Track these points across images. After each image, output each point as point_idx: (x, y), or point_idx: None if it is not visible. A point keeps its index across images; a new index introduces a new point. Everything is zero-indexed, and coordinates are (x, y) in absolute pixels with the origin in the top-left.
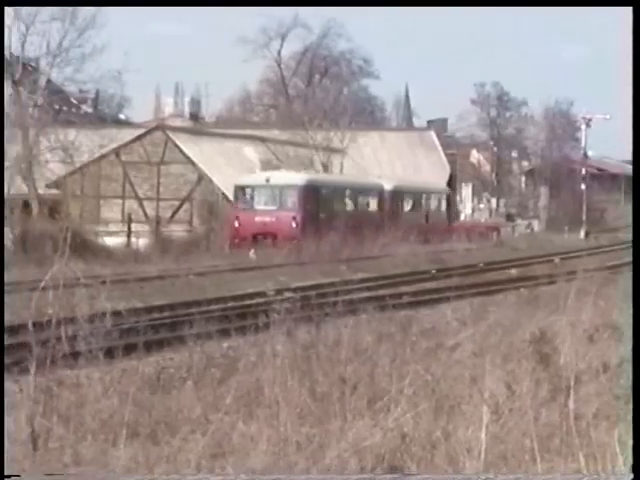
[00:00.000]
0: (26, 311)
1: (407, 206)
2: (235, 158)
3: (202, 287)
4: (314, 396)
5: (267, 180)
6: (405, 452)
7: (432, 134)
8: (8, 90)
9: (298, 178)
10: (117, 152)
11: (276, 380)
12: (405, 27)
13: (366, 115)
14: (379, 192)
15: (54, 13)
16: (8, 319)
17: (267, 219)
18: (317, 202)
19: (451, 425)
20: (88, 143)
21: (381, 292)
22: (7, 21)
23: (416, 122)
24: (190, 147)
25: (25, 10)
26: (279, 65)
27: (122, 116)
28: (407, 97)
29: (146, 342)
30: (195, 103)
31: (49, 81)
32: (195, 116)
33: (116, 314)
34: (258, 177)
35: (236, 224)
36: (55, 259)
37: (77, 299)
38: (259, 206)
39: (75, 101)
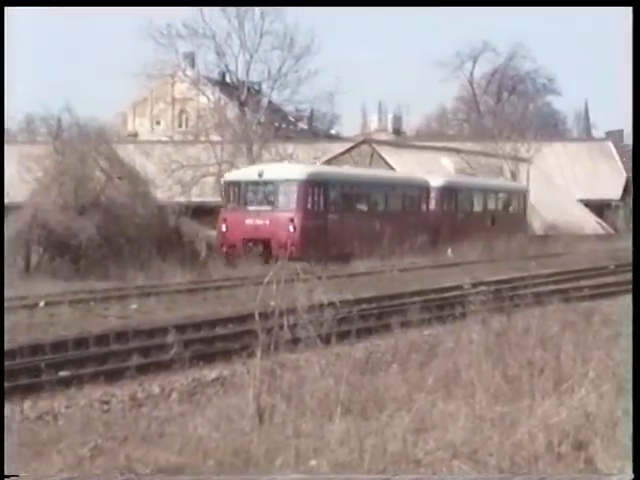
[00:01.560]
0: (252, 303)
1: (465, 205)
2: (433, 167)
3: (405, 281)
4: (506, 378)
5: (260, 175)
6: (589, 429)
7: (610, 144)
8: (235, 110)
9: (297, 171)
10: (329, 163)
11: (472, 364)
12: (588, 48)
13: (550, 128)
14: (421, 189)
15: (274, 43)
16: (238, 310)
17: (259, 222)
18: (323, 201)
19: (631, 405)
20: (304, 155)
21: (566, 285)
22: (234, 50)
23: (595, 134)
24: (393, 158)
25: (250, 41)
26: (471, 84)
27: (333, 131)
28: (587, 111)
29: (357, 330)
30: (397, 119)
31: (270, 102)
32: (397, 131)
33: (331, 305)
34: (250, 171)
35: (223, 228)
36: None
37: (296, 292)
38: (251, 206)
39: (292, 119)
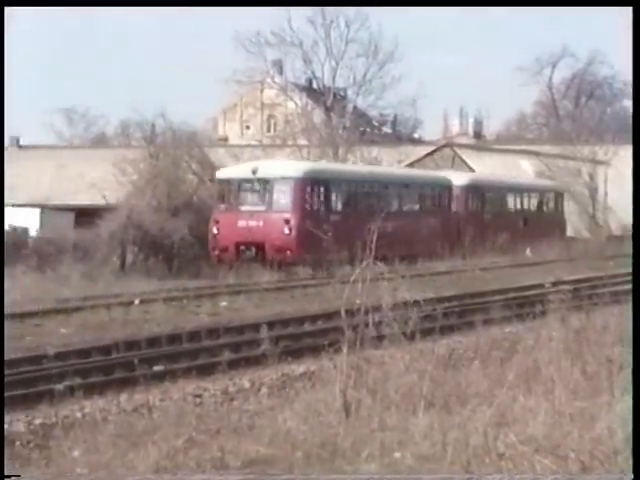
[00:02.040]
0: (339, 301)
1: (493, 205)
2: (513, 170)
3: (486, 280)
4: (585, 374)
5: (254, 172)
6: None
7: None
8: (321, 115)
9: (294, 168)
10: (412, 166)
11: (551, 360)
12: None
13: (627, 131)
14: (442, 188)
15: (359, 50)
16: (324, 307)
17: (253, 223)
18: (324, 200)
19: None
20: (388, 158)
21: None
22: (321, 57)
23: None
24: (474, 161)
25: (336, 49)
26: (550, 89)
27: (416, 135)
28: None
29: (439, 327)
30: (478, 123)
31: (355, 107)
32: (478, 134)
33: (414, 303)
34: (244, 168)
35: (214, 230)
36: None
37: (381, 290)
38: (244, 206)
39: (377, 123)
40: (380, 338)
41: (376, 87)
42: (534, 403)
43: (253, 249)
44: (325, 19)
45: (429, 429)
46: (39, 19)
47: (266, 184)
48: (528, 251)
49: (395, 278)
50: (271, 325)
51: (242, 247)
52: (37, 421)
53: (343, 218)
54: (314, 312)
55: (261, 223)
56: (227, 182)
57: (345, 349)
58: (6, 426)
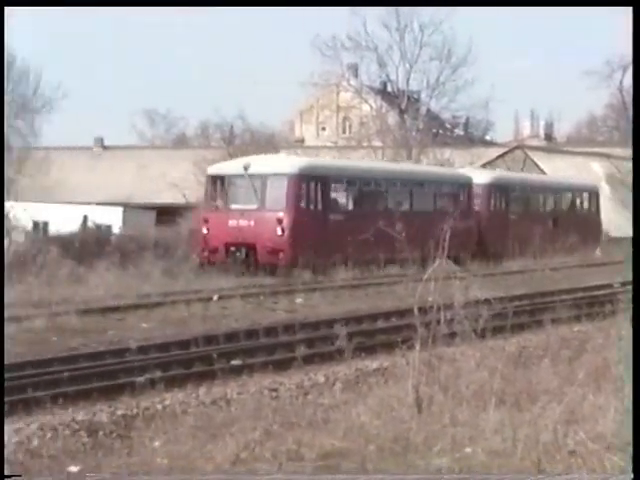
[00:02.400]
0: (411, 298)
1: (519, 205)
2: (584, 172)
3: (556, 280)
4: None
5: (246, 168)
6: None
7: None
8: (395, 117)
9: (289, 164)
10: (484, 167)
11: (620, 360)
12: None
13: None
14: (462, 186)
15: (433, 54)
16: (397, 305)
17: (243, 223)
18: (322, 199)
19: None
20: (460, 160)
21: None
22: (395, 61)
23: None
24: (545, 163)
25: (410, 53)
26: (621, 92)
27: (487, 137)
28: None
29: (510, 325)
30: (548, 126)
31: (428, 109)
32: (549, 137)
33: (485, 302)
34: (235, 164)
35: (204, 230)
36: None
37: (453, 289)
38: (235, 204)
39: (449, 125)
40: (452, 335)
41: (449, 90)
42: (604, 401)
43: (243, 250)
44: (399, 23)
45: (500, 425)
46: (125, 23)
47: (258, 181)
48: (598, 250)
49: (467, 277)
50: (345, 322)
51: (232, 248)
52: (119, 412)
53: (346, 218)
54: (387, 309)
55: (252, 223)
56: (218, 179)
57: (418, 346)
58: (91, 416)
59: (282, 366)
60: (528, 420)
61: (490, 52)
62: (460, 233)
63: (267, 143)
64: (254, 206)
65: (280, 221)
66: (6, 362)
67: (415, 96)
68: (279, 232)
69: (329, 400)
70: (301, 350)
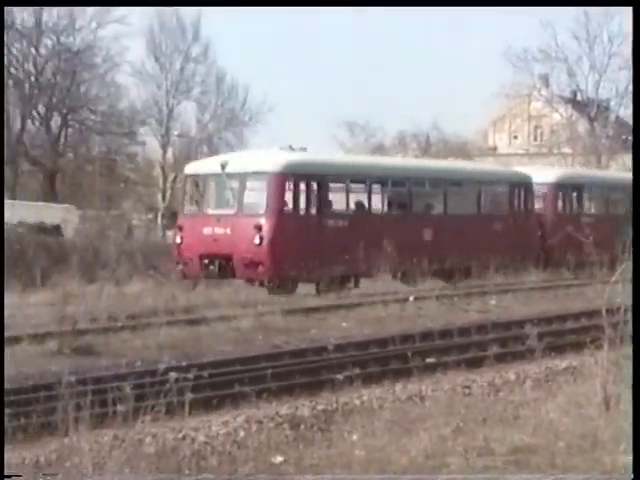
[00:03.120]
0: (599, 300)
1: (595, 206)
2: None
3: None
4: None
5: (223, 166)
6: None
7: None
8: (585, 125)
9: (271, 161)
10: None
11: None
12: None
13: None
14: (517, 187)
15: (622, 64)
16: (586, 306)
17: (219, 231)
18: (316, 201)
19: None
20: None
21: None
22: (584, 71)
23: None
24: None
25: (599, 63)
26: None
27: None
28: None
29: None
30: None
31: (617, 117)
32: None
33: None
34: (212, 161)
35: (177, 239)
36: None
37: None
38: (211, 209)
39: None
40: None
41: None
42: None
43: (217, 263)
44: (589, 35)
45: None
46: (342, 35)
47: (236, 181)
48: None
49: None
50: (536, 322)
51: (206, 260)
52: (320, 407)
53: (349, 224)
54: (577, 310)
55: (228, 230)
56: (194, 179)
57: (606, 346)
58: (293, 410)
59: (474, 364)
60: None
61: None
62: (513, 239)
63: (459, 151)
64: (231, 211)
65: (259, 228)
66: (216, 359)
67: (604, 104)
68: (257, 241)
69: (519, 397)
70: (493, 349)
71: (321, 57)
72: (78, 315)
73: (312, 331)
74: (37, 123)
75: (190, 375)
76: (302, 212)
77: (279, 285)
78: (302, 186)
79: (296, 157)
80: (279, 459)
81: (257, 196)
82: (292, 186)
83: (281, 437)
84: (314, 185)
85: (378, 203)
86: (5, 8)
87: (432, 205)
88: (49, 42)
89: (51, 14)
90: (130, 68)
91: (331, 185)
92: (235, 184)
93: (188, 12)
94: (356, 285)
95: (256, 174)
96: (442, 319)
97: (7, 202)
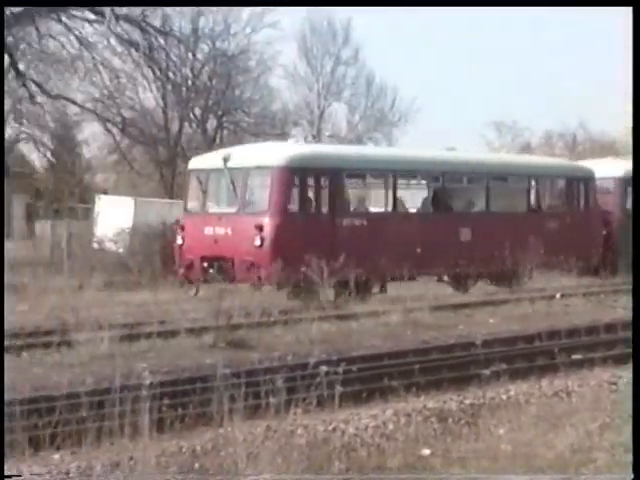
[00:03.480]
0: None
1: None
2: None
3: None
4: None
5: (225, 160)
6: None
7: None
8: None
9: (275, 155)
10: None
11: None
12: None
13: None
14: (573, 181)
15: None
16: None
17: (220, 231)
18: (327, 199)
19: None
20: None
21: None
22: None
23: None
24: None
25: None
26: None
27: None
28: None
29: None
30: None
31: None
32: None
33: None
34: (216, 155)
35: (179, 240)
36: None
37: None
38: (214, 207)
39: None
40: None
41: None
42: None
43: (216, 265)
44: None
45: None
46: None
47: (239, 177)
48: None
49: None
50: None
51: (205, 263)
52: (467, 401)
53: (367, 223)
54: None
55: (229, 230)
56: (197, 175)
57: None
58: (441, 404)
59: (621, 361)
60: None
61: None
62: (573, 238)
63: (607, 150)
64: (233, 209)
65: (260, 228)
66: (361, 354)
67: None
68: (257, 242)
69: None
70: None
71: (470, 57)
72: (233, 310)
73: (459, 327)
74: (194, 125)
75: (340, 369)
76: (311, 210)
77: (292, 290)
78: (311, 182)
79: (304, 150)
80: (426, 452)
81: (260, 193)
82: (299, 182)
83: (429, 430)
84: (326, 181)
85: (407, 201)
86: (162, 14)
87: (473, 202)
88: (205, 47)
89: (207, 20)
90: (282, 71)
91: (340, 181)
92: (237, 180)
93: (338, 15)
94: (382, 290)
95: (259, 169)
96: (588, 315)
97: (166, 201)
